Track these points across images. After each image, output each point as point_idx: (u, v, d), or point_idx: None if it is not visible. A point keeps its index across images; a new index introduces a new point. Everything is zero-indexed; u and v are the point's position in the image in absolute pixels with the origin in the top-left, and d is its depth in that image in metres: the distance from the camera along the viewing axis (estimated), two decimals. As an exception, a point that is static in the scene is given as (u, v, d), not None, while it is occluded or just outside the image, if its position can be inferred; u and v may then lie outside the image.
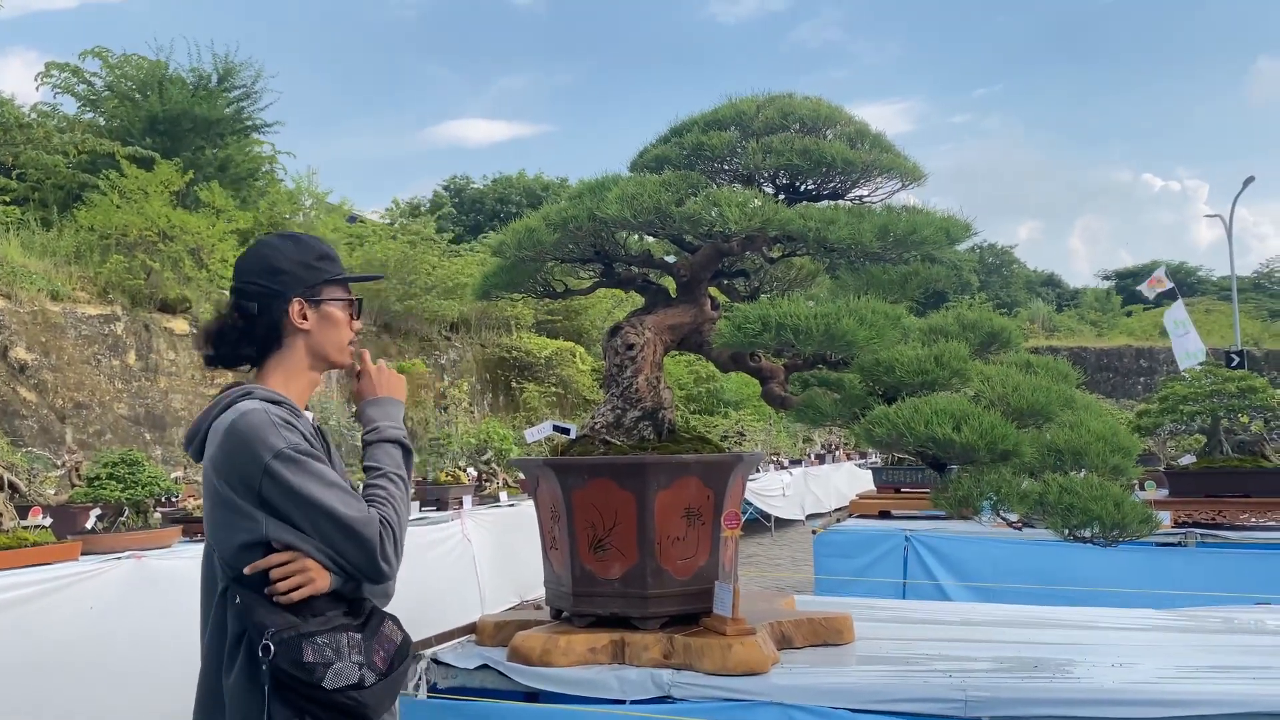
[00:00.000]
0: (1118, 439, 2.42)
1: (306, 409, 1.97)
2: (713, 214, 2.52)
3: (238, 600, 1.74)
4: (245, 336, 1.93)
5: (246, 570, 1.74)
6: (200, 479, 1.91)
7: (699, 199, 2.55)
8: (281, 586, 1.73)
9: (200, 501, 6.17)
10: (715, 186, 2.72)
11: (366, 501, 1.83)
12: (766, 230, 2.52)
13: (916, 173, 2.76)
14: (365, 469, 1.92)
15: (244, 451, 1.74)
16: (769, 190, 2.82)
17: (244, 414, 1.77)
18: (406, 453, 1.98)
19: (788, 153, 2.62)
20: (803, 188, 2.81)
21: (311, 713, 1.70)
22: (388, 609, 1.93)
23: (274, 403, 1.84)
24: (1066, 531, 2.25)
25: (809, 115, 2.73)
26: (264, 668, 1.67)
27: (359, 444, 2.05)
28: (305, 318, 1.94)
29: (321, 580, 1.76)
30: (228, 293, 1.96)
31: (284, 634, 1.69)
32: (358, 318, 2.05)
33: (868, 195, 2.81)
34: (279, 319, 1.93)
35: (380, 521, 1.80)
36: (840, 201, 2.83)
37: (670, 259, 3.14)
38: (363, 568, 1.79)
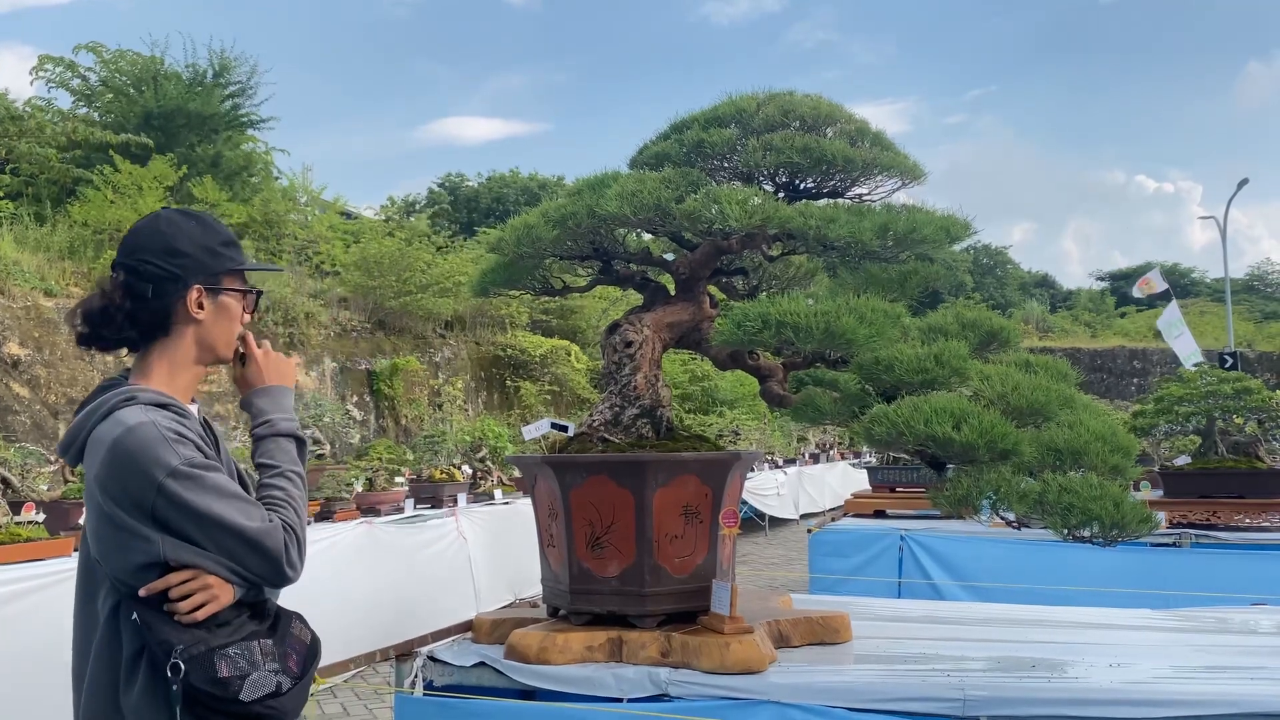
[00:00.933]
0: (1117, 439, 2.42)
1: (193, 401, 1.87)
2: (713, 211, 2.51)
3: (134, 617, 1.62)
4: (130, 319, 1.77)
5: (142, 592, 1.63)
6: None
7: (699, 196, 2.54)
8: (183, 607, 1.62)
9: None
10: (715, 184, 2.71)
11: (265, 505, 1.74)
12: (766, 228, 2.52)
13: (916, 171, 2.75)
14: (259, 466, 1.82)
15: (133, 470, 1.62)
16: (769, 188, 2.82)
17: (130, 429, 1.63)
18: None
19: (788, 150, 2.61)
20: (803, 186, 2.80)
21: None
22: (291, 607, 1.84)
23: (160, 406, 1.71)
24: (1066, 531, 2.25)
25: (809, 113, 2.73)
26: (174, 687, 1.57)
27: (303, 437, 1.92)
28: (201, 307, 1.80)
29: (225, 595, 1.67)
30: (117, 267, 1.78)
31: (193, 650, 1.60)
32: (253, 311, 1.92)
33: (868, 194, 2.81)
34: (172, 305, 1.78)
35: (284, 528, 1.72)
36: (840, 200, 2.82)
37: (669, 257, 3.13)
38: (268, 577, 1.71)
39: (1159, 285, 14.91)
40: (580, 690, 2.53)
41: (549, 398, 17.40)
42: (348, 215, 18.84)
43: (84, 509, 1.78)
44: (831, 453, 18.41)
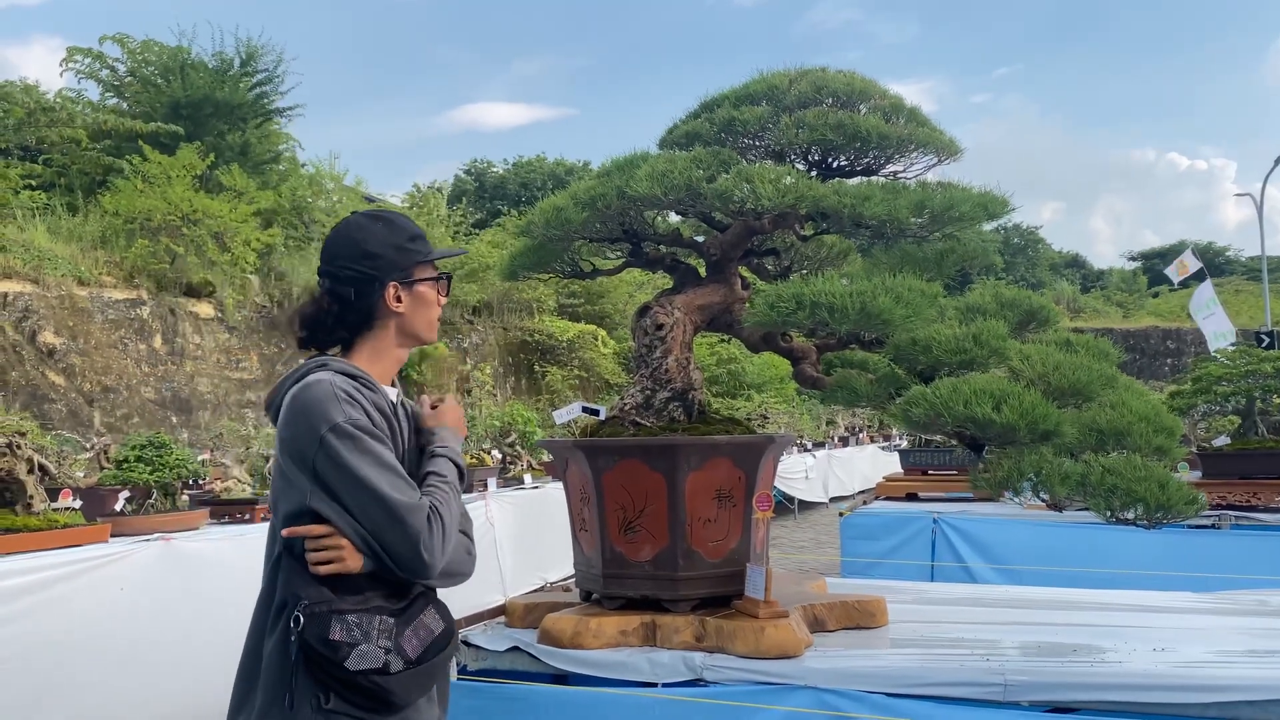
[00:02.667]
0: (1160, 419, 2.37)
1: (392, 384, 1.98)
2: (745, 190, 2.47)
3: (283, 567, 1.75)
4: (339, 321, 1.92)
5: (283, 533, 1.75)
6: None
7: (730, 175, 2.50)
8: (312, 558, 1.72)
9: (226, 484, 6.20)
10: (746, 163, 2.67)
11: (421, 492, 1.79)
12: (799, 207, 2.47)
13: (953, 147, 2.70)
14: (427, 474, 1.87)
15: (303, 422, 1.74)
16: (801, 166, 2.76)
17: (306, 385, 1.77)
18: (461, 474, 1.94)
19: (821, 127, 2.56)
20: (835, 164, 2.75)
21: (335, 690, 1.68)
22: (442, 595, 1.90)
23: (348, 375, 1.83)
24: (1109, 513, 2.20)
25: (843, 89, 2.68)
26: (292, 639, 1.66)
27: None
28: (399, 300, 1.93)
29: (353, 561, 1.72)
30: (321, 275, 1.95)
31: (315, 607, 1.68)
32: (446, 294, 2.05)
33: (902, 171, 2.75)
34: (374, 303, 1.92)
35: (431, 510, 1.75)
36: (874, 178, 2.77)
37: (699, 239, 3.09)
38: (403, 555, 1.72)
39: (1193, 265, 14.70)
40: (614, 675, 2.52)
41: (576, 383, 17.42)
42: (369, 200, 18.89)
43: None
44: (861, 436, 18.30)
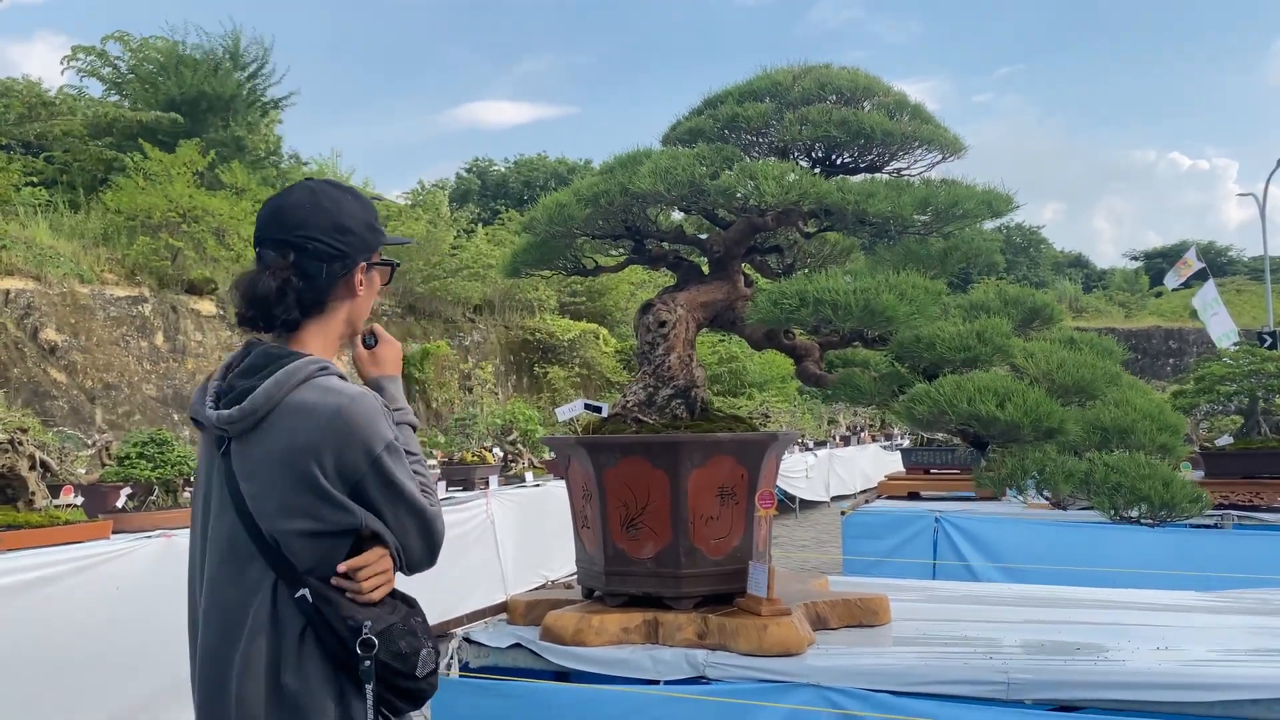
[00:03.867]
0: (1165, 417, 2.36)
1: None
2: (748, 187, 2.46)
3: (299, 594, 1.60)
4: (298, 299, 1.73)
5: (341, 568, 1.62)
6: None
7: (734, 172, 2.50)
8: (368, 585, 1.64)
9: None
10: (750, 159, 2.66)
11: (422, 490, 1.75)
12: (803, 204, 2.47)
13: (957, 145, 2.69)
14: None
15: (352, 439, 1.61)
16: (805, 163, 2.76)
17: (354, 399, 1.64)
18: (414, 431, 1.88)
19: (825, 124, 2.55)
20: (839, 160, 2.74)
21: (388, 702, 1.66)
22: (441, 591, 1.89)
23: (344, 378, 1.71)
24: (1113, 511, 2.19)
25: (847, 86, 2.67)
26: (366, 663, 1.58)
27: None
28: (361, 283, 1.80)
29: (394, 580, 1.71)
30: (275, 244, 1.73)
31: (378, 626, 1.62)
32: (389, 283, 1.92)
33: (906, 168, 2.75)
34: (336, 283, 1.76)
35: (441, 517, 1.75)
36: (878, 175, 2.76)
37: (702, 236, 3.09)
38: (421, 560, 1.72)
39: (1196, 265, 14.69)
40: (616, 672, 2.52)
41: (578, 381, 17.42)
42: (376, 200, 18.90)
43: (228, 480, 1.68)
44: (862, 435, 18.29)
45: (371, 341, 1.91)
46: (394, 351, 1.93)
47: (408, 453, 1.75)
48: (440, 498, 7.35)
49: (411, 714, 1.76)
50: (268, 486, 1.63)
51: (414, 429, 1.84)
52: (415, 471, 1.74)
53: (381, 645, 1.61)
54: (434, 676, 1.71)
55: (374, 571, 1.65)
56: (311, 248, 1.73)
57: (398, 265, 1.92)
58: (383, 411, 1.67)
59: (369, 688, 1.60)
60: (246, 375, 1.70)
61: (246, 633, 1.62)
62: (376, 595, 1.65)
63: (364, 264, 1.79)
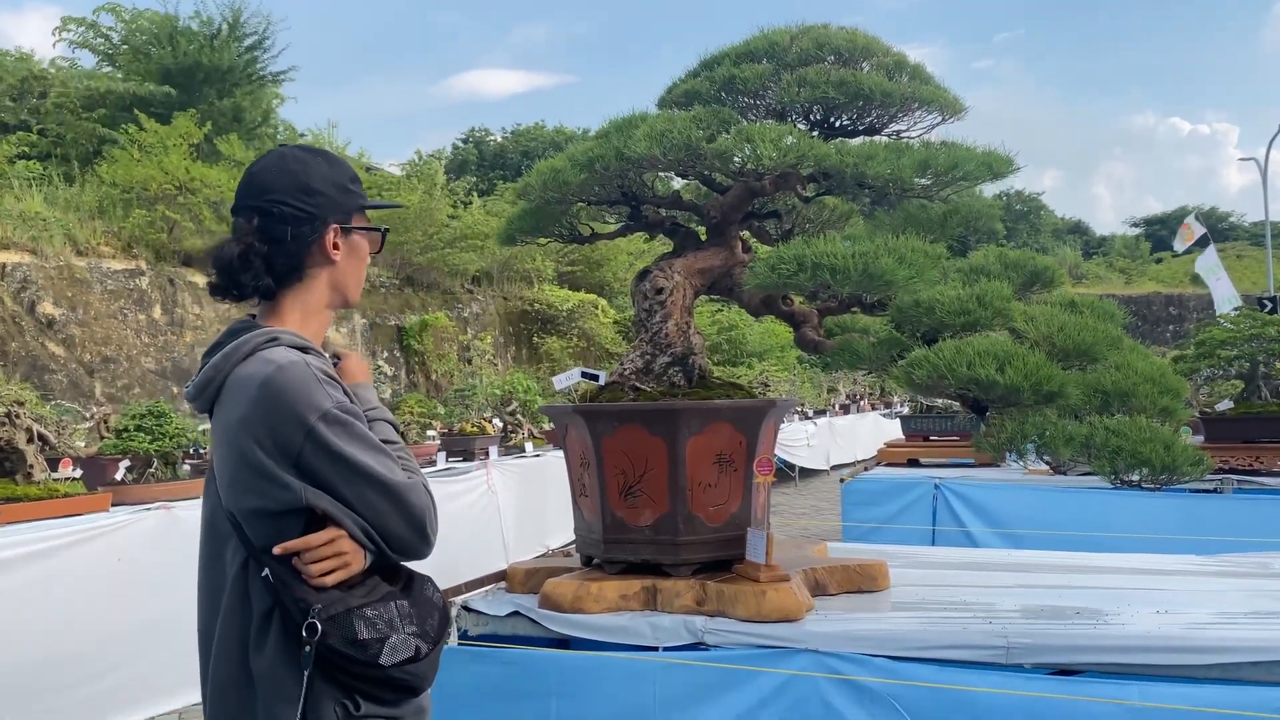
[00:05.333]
0: (1166, 380, 2.34)
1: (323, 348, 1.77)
2: (745, 150, 2.42)
3: (264, 574, 1.54)
4: (267, 265, 1.66)
5: (277, 550, 1.53)
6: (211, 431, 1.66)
7: (731, 135, 2.46)
8: (314, 570, 1.53)
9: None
10: (747, 122, 2.62)
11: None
12: (801, 167, 2.43)
13: (957, 106, 2.65)
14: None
15: (282, 410, 1.52)
16: (803, 126, 2.72)
17: (281, 368, 1.54)
18: (397, 433, 1.81)
19: (823, 85, 2.51)
20: (838, 123, 2.70)
21: (359, 690, 1.55)
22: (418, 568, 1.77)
23: (303, 349, 1.62)
24: (1114, 475, 2.18)
25: (845, 46, 2.62)
26: (307, 649, 1.49)
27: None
28: (336, 248, 1.71)
29: (356, 562, 1.56)
30: (244, 211, 1.68)
31: (331, 610, 1.51)
32: (379, 250, 1.84)
33: (905, 130, 2.71)
34: (309, 247, 1.69)
35: (425, 489, 1.63)
36: (877, 137, 2.72)
37: (699, 202, 3.05)
38: (406, 539, 1.60)
39: (1198, 231, 14.62)
40: (615, 639, 2.52)
41: (576, 352, 17.40)
42: (371, 170, 18.79)
43: (213, 458, 1.65)
44: (862, 403, 18.30)
45: (335, 361, 1.81)
46: (353, 363, 1.83)
47: (390, 442, 1.69)
48: (440, 468, 7.32)
49: (415, 701, 1.65)
50: (222, 462, 1.60)
51: (393, 426, 1.78)
52: (403, 456, 1.67)
53: (333, 630, 1.50)
54: (415, 665, 1.57)
55: (320, 555, 1.54)
56: (277, 211, 1.67)
57: (385, 231, 1.85)
58: (318, 379, 1.56)
59: (306, 673, 1.50)
60: (210, 353, 1.66)
61: (222, 611, 1.59)
62: (329, 580, 1.54)
63: (337, 226, 1.72)
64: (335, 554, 1.54)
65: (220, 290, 1.68)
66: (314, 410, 1.53)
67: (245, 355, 1.59)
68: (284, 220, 1.66)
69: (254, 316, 1.74)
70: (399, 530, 1.59)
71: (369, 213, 1.82)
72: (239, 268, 1.65)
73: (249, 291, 1.67)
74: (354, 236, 1.76)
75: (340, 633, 1.51)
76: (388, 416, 1.77)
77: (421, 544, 1.62)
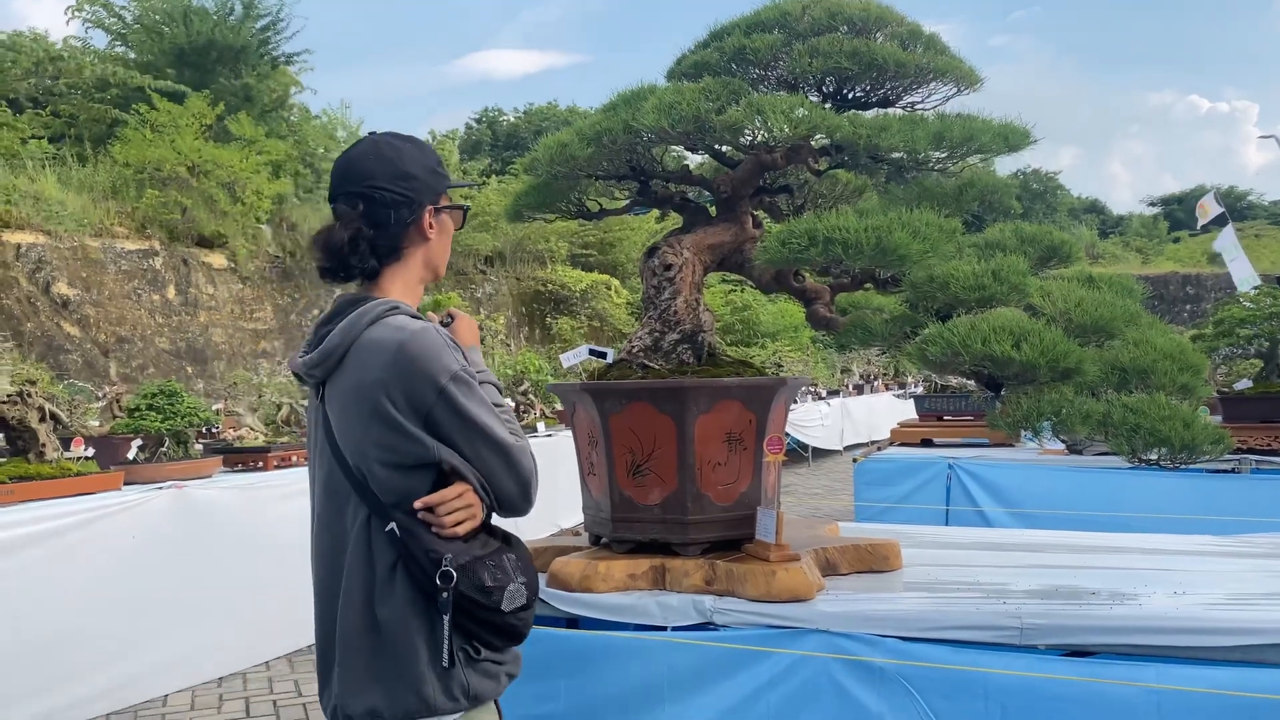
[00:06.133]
0: (1186, 357, 2.29)
1: None
2: (756, 122, 2.37)
3: (388, 529, 1.67)
4: (372, 248, 1.81)
5: (417, 505, 1.67)
6: (325, 400, 1.77)
7: (741, 106, 2.40)
8: (448, 521, 1.68)
9: (239, 433, 6.19)
10: (758, 94, 2.56)
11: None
12: (813, 139, 2.38)
13: (972, 77, 2.58)
14: None
15: (417, 372, 1.66)
16: (815, 98, 2.66)
17: (415, 333, 1.69)
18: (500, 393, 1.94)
19: (836, 55, 2.45)
20: (851, 95, 2.65)
21: (479, 637, 1.70)
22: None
23: (416, 317, 1.77)
24: (1132, 454, 2.13)
25: (858, 15, 2.56)
26: (445, 595, 1.63)
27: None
28: (431, 227, 1.85)
29: (479, 513, 1.73)
30: (346, 198, 1.81)
31: (460, 559, 1.66)
32: (461, 227, 1.98)
33: (920, 102, 2.64)
34: (408, 228, 1.83)
35: (530, 453, 1.76)
36: (891, 110, 2.67)
37: (709, 177, 3.00)
38: (513, 497, 1.75)
39: (1215, 209, 14.43)
40: (623, 618, 2.49)
41: (589, 333, 17.38)
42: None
43: (329, 422, 1.77)
44: (876, 384, 18.22)
45: (449, 320, 1.98)
46: (469, 325, 1.99)
47: (496, 405, 1.80)
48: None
49: (514, 650, 1.80)
50: (350, 423, 1.71)
51: (498, 389, 1.88)
52: (509, 420, 1.78)
53: (463, 578, 1.64)
54: (525, 613, 1.73)
55: (454, 507, 1.69)
56: (379, 196, 1.80)
57: (468, 208, 1.97)
58: (448, 345, 1.71)
59: (446, 619, 1.64)
60: (326, 322, 1.79)
61: (346, 567, 1.72)
62: (461, 530, 1.69)
63: (431, 207, 1.85)
64: (465, 505, 1.70)
65: (330, 273, 1.83)
66: (445, 372, 1.67)
67: (370, 322, 1.72)
68: (386, 205, 1.80)
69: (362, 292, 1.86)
70: (508, 487, 1.73)
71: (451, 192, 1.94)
72: (349, 251, 1.79)
73: (356, 273, 1.82)
74: (443, 216, 1.89)
75: (469, 580, 1.65)
76: (493, 379, 1.88)
77: (524, 502, 1.77)
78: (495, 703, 1.81)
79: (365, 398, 1.68)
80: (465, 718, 1.71)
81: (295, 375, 1.86)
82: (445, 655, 1.66)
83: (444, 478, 1.71)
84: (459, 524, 1.69)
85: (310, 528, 1.86)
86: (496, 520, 1.85)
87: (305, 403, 6.67)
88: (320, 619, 1.79)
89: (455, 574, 1.64)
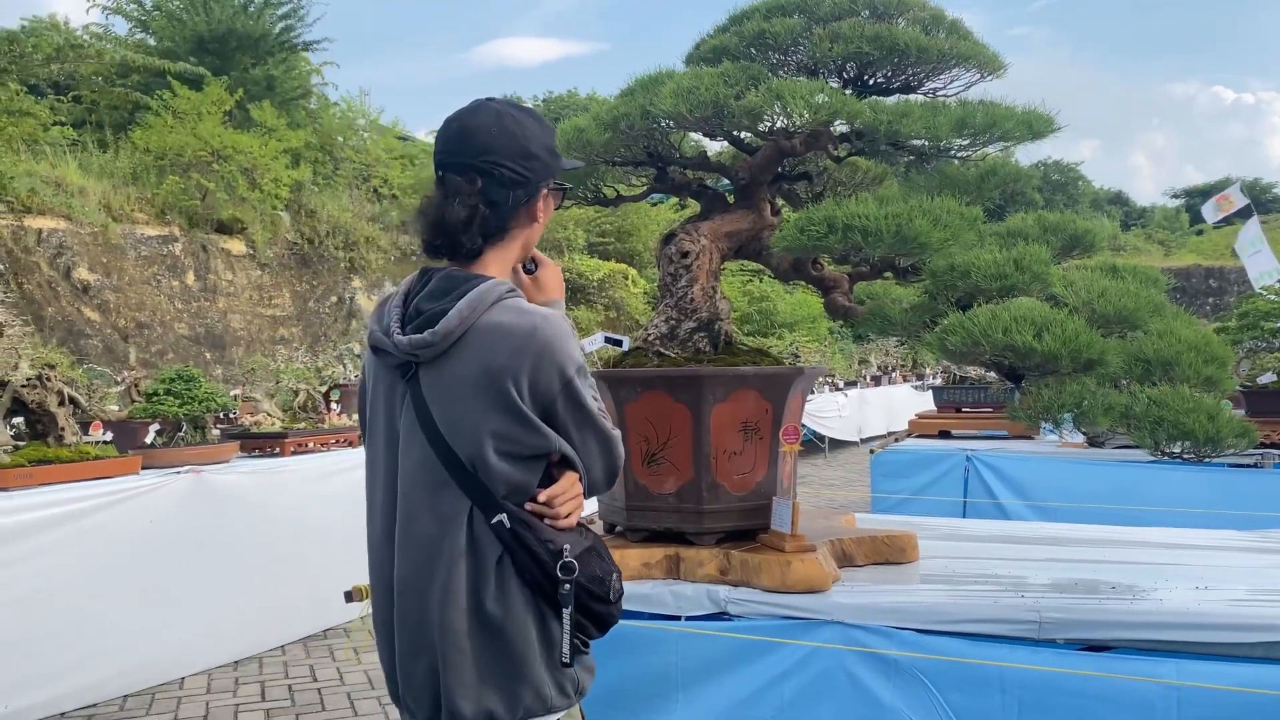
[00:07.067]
0: (1211, 348, 2.25)
1: None
2: (775, 108, 2.34)
3: (495, 520, 1.59)
4: (484, 227, 1.68)
5: (541, 497, 1.62)
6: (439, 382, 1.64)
7: (760, 91, 2.37)
8: (563, 510, 1.64)
9: (256, 418, 6.21)
10: (777, 79, 2.53)
11: None
12: (833, 125, 2.35)
13: (996, 63, 2.54)
14: None
15: (546, 360, 1.59)
16: (835, 83, 2.63)
17: (547, 318, 1.62)
18: None
19: (857, 40, 2.41)
20: (872, 80, 2.61)
21: (585, 630, 1.66)
22: None
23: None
24: (1155, 446, 2.10)
25: (880, 0, 2.52)
26: (567, 586, 1.58)
27: None
28: (542, 210, 1.76)
29: (584, 504, 1.70)
30: (460, 169, 1.68)
31: (577, 550, 1.61)
32: (559, 207, 1.88)
33: (942, 88, 2.60)
34: (519, 209, 1.71)
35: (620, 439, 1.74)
36: (912, 96, 2.63)
37: (727, 163, 2.97)
38: (601, 484, 1.72)
39: (1239, 202, 14.21)
40: (638, 607, 2.48)
41: (606, 322, 17.35)
42: (404, 140, 18.76)
43: (429, 408, 1.64)
44: (894, 375, 18.13)
45: (532, 267, 1.86)
46: (555, 275, 1.88)
47: None
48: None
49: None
50: (464, 409, 1.61)
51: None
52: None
53: (580, 569, 1.60)
54: (621, 602, 1.71)
55: (569, 496, 1.65)
56: (498, 174, 1.68)
57: (569, 189, 1.86)
58: (574, 333, 1.66)
59: (567, 611, 1.60)
60: (434, 299, 1.66)
61: (444, 561, 1.62)
62: (572, 520, 1.65)
63: (545, 190, 1.75)
64: (575, 496, 1.66)
65: (436, 250, 1.71)
66: (572, 362, 1.62)
67: (492, 303, 1.62)
68: (504, 184, 1.68)
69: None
70: (600, 476, 1.70)
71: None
72: (462, 229, 1.66)
73: (464, 251, 1.69)
74: (550, 199, 1.79)
75: (586, 570, 1.61)
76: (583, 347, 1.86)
77: (609, 487, 1.75)
78: None
79: (489, 384, 1.59)
80: (568, 714, 1.67)
81: (376, 349, 1.72)
82: (566, 651, 1.61)
83: (548, 467, 1.66)
84: (570, 514, 1.65)
85: (373, 519, 1.76)
86: None
87: (323, 389, 6.69)
88: (411, 618, 1.66)
89: (577, 565, 1.59)
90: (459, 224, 1.66)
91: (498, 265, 1.73)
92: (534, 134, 1.72)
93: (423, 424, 1.63)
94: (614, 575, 1.67)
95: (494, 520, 1.59)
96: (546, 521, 1.62)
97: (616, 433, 1.70)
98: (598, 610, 1.64)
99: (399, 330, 1.66)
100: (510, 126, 1.70)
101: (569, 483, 1.65)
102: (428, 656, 1.64)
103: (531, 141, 1.71)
